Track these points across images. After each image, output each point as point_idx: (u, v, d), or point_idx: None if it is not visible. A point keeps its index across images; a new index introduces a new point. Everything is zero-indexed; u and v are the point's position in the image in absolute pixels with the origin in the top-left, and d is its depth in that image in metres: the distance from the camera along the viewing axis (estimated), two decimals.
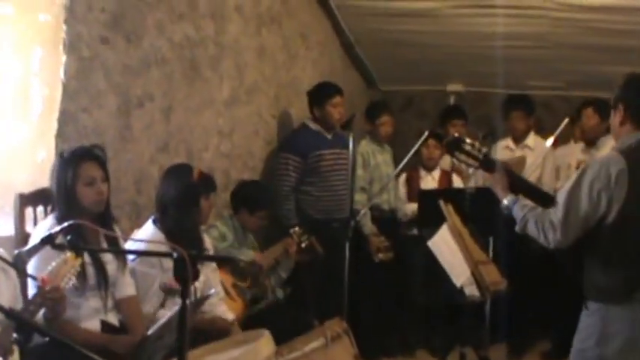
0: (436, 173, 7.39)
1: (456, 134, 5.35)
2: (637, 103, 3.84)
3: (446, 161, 7.61)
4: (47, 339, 3.33)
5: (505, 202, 3.97)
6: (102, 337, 3.99)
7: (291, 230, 5.95)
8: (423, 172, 7.39)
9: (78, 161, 3.97)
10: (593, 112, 6.83)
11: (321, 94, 6.67)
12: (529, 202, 3.98)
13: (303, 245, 5.94)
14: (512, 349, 6.94)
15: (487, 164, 3.97)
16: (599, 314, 3.79)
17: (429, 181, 7.32)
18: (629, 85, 3.90)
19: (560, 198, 3.77)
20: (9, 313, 2.83)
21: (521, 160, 7.14)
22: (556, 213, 3.75)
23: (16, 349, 3.22)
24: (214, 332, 4.55)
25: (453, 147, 4.06)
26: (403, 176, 7.36)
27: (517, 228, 3.91)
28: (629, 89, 3.89)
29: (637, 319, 3.72)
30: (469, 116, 8.02)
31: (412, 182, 7.37)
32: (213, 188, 4.95)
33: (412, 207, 7.24)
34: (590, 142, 6.91)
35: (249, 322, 5.16)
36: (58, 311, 3.37)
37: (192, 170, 4.77)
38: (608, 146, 6.64)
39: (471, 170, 4.03)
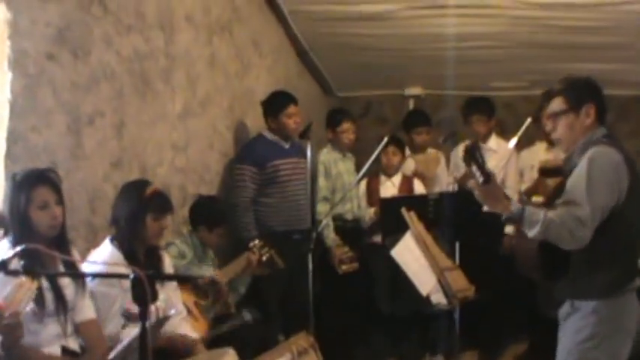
0: (396, 179, 7.35)
1: (467, 142, 5.33)
2: (603, 103, 4.08)
3: (408, 166, 7.56)
4: None
5: (513, 209, 3.87)
6: None
7: (251, 244, 5.85)
8: (383, 178, 7.35)
9: (31, 185, 3.87)
10: None
11: (274, 105, 6.61)
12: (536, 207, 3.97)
13: (264, 258, 5.84)
14: (484, 355, 6.89)
15: (488, 176, 3.94)
16: (598, 314, 3.87)
17: (389, 187, 7.28)
18: (595, 87, 4.11)
19: (577, 194, 3.79)
20: None
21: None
22: (581, 209, 3.75)
23: None
24: (176, 351, 4.45)
25: (471, 156, 4.00)
26: (363, 182, 7.31)
27: (533, 233, 3.82)
28: (596, 91, 4.10)
29: (632, 310, 3.93)
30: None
31: (372, 188, 7.31)
32: (166, 209, 4.76)
33: (370, 211, 7.20)
34: (553, 141, 6.86)
35: (213, 339, 5.06)
36: (16, 338, 3.25)
37: (146, 186, 4.66)
38: None
39: (473, 181, 3.92)
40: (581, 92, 4.05)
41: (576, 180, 3.84)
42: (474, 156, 3.92)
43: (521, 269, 6.33)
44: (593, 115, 4.02)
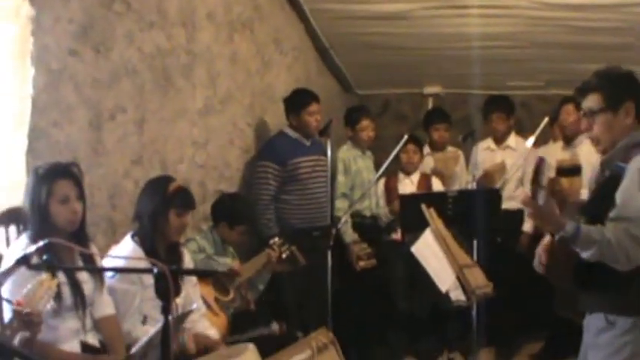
0: (415, 177, 7.34)
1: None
2: None
3: (427, 164, 7.56)
4: None
5: (568, 228, 3.55)
6: (84, 358, 3.91)
7: (271, 241, 5.85)
8: (401, 176, 7.33)
9: (53, 178, 3.89)
10: (574, 109, 6.77)
11: (297, 102, 6.62)
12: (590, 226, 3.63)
13: (284, 256, 5.84)
14: (500, 353, 6.88)
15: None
16: (637, 331, 3.60)
17: (408, 185, 7.27)
18: (635, 83, 3.80)
19: (631, 210, 3.50)
20: None
21: (502, 167, 7.11)
22: (635, 227, 3.47)
23: None
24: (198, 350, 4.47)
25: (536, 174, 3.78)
26: (382, 181, 7.30)
27: (588, 255, 3.54)
28: (636, 87, 3.79)
29: None
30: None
31: (390, 186, 7.31)
32: (189, 206, 4.77)
33: (384, 210, 7.21)
34: (569, 140, 6.85)
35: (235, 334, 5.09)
36: (34, 334, 3.27)
37: (169, 182, 4.67)
38: (587, 144, 6.61)
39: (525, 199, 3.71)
40: (620, 89, 3.75)
41: (629, 194, 3.55)
42: (538, 174, 3.72)
43: (552, 278, 6.25)
44: (633, 114, 3.74)
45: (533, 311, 6.99)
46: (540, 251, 3.94)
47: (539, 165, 3.55)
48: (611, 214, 3.56)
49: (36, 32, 4.14)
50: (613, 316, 3.63)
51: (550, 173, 6.69)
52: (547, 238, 3.89)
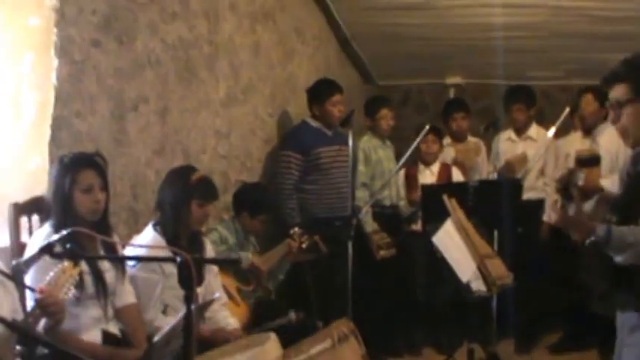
0: (435, 167, 7.31)
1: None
2: None
3: (448, 154, 7.55)
4: (49, 351, 3.28)
5: (599, 232, 3.38)
6: (105, 351, 3.93)
7: (291, 231, 5.86)
8: (421, 167, 7.31)
9: (77, 167, 3.91)
10: (593, 99, 6.76)
11: (320, 93, 6.62)
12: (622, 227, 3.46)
13: (304, 246, 5.86)
14: (520, 344, 6.88)
15: (570, 196, 3.58)
16: None
17: (428, 176, 7.25)
18: None
19: None
20: (13, 326, 2.76)
21: (523, 158, 7.08)
22: None
23: None
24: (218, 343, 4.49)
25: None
26: (402, 171, 7.28)
27: (622, 258, 3.39)
28: None
29: None
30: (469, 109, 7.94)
31: (410, 178, 7.29)
32: (211, 196, 4.78)
33: (402, 202, 7.21)
34: (589, 130, 6.83)
35: (253, 326, 5.09)
36: (58, 322, 3.29)
37: (192, 172, 4.68)
38: (606, 134, 6.59)
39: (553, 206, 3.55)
40: None
41: None
42: (566, 183, 3.61)
43: (587, 276, 6.24)
44: None
45: (553, 302, 7.00)
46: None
47: (567, 177, 3.48)
48: None
49: (59, 23, 4.17)
50: None
51: (568, 163, 6.69)
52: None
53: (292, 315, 5.21)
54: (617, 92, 3.57)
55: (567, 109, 6.55)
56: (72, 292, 3.32)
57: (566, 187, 3.57)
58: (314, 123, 6.60)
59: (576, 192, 3.49)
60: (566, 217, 3.47)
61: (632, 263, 3.36)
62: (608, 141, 6.57)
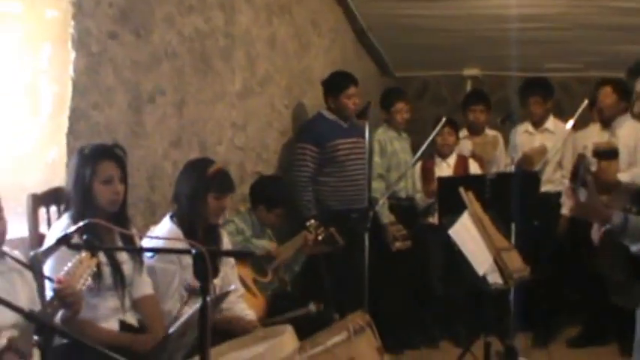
0: (451, 160, 7.30)
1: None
2: None
3: (465, 147, 7.53)
4: (67, 341, 3.29)
5: (615, 220, 3.36)
6: (122, 337, 3.95)
7: (307, 223, 5.87)
8: (437, 159, 7.30)
9: (97, 158, 3.92)
10: (612, 91, 6.72)
11: (335, 85, 6.61)
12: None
13: (320, 238, 5.86)
14: (537, 338, 6.86)
15: (585, 183, 3.53)
16: None
17: (444, 169, 7.24)
18: None
19: None
20: (30, 316, 2.77)
21: (542, 150, 7.06)
22: None
23: (36, 352, 3.19)
24: (235, 332, 4.50)
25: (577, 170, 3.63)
26: (418, 165, 7.26)
27: (638, 247, 3.36)
28: None
29: None
30: None
31: (426, 171, 7.28)
32: (228, 189, 4.76)
33: (418, 195, 7.21)
34: (607, 122, 6.80)
35: (271, 316, 5.11)
36: (75, 312, 3.31)
37: (209, 165, 4.68)
38: (625, 127, 6.57)
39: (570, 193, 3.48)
40: None
41: None
42: (581, 173, 3.56)
43: (603, 267, 6.19)
44: None
45: (571, 296, 6.98)
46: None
47: (578, 163, 3.43)
48: None
49: (77, 16, 4.18)
50: None
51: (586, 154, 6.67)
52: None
53: (312, 306, 5.22)
54: None
55: (585, 102, 6.51)
56: (89, 282, 3.34)
57: (576, 171, 3.53)
58: (329, 115, 6.60)
59: (589, 177, 3.45)
60: (580, 204, 3.44)
61: None
62: (627, 134, 6.55)
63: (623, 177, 6.09)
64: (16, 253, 3.44)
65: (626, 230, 3.34)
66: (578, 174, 3.44)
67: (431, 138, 6.25)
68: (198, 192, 4.55)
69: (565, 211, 6.89)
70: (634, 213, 3.45)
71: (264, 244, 5.54)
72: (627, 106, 6.60)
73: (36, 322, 2.89)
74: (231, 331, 4.48)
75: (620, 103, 6.68)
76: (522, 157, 7.05)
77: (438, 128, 6.35)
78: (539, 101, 7.22)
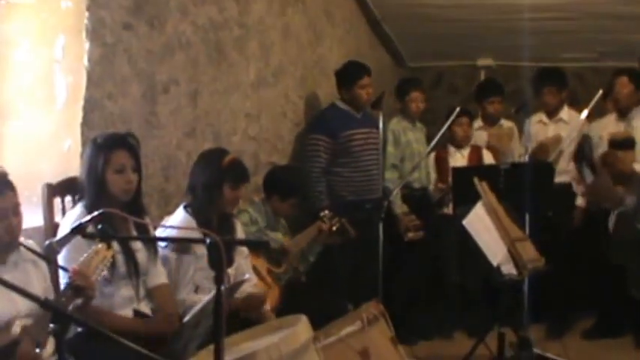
0: (465, 150, 7.28)
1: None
2: None
3: (480, 137, 7.51)
4: (82, 329, 3.31)
5: (628, 202, 3.39)
6: (138, 322, 3.97)
7: (321, 214, 5.87)
8: (452, 150, 7.29)
9: (110, 148, 3.93)
10: (628, 81, 6.69)
11: (348, 76, 6.60)
12: None
13: (334, 228, 5.86)
14: (552, 329, 6.84)
15: (594, 167, 3.49)
16: None
17: (459, 159, 7.22)
18: None
19: None
20: (47, 304, 2.79)
21: (557, 139, 7.03)
22: None
23: (51, 340, 3.21)
24: (248, 312, 4.55)
25: (582, 152, 3.59)
26: (432, 156, 7.25)
27: None
28: None
29: None
30: None
31: (440, 161, 7.27)
32: (244, 179, 4.78)
33: (431, 186, 7.21)
34: (623, 113, 6.77)
35: (283, 308, 5.11)
36: (88, 301, 3.32)
37: (224, 155, 4.69)
38: None
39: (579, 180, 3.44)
40: None
41: None
42: (584, 152, 3.55)
43: (618, 257, 6.18)
44: None
45: (585, 288, 6.95)
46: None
47: (582, 143, 3.40)
48: None
49: (91, 7, 4.20)
50: None
51: (600, 148, 6.64)
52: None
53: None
54: None
55: (600, 92, 6.49)
56: (105, 273, 3.35)
57: (580, 151, 3.52)
58: (343, 106, 6.59)
59: (596, 157, 3.45)
60: (591, 186, 3.44)
61: None
62: None
63: None
64: (31, 243, 3.46)
65: (638, 213, 3.26)
66: (584, 154, 3.43)
67: (444, 128, 6.24)
68: (215, 182, 4.56)
69: (580, 202, 6.87)
70: None
71: (278, 237, 5.55)
72: None
73: (52, 309, 2.90)
74: (245, 311, 4.52)
75: (637, 93, 6.66)
76: (537, 146, 7.00)
77: (451, 118, 6.34)
78: (553, 91, 7.18)
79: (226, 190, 4.61)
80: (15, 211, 3.35)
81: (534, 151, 6.90)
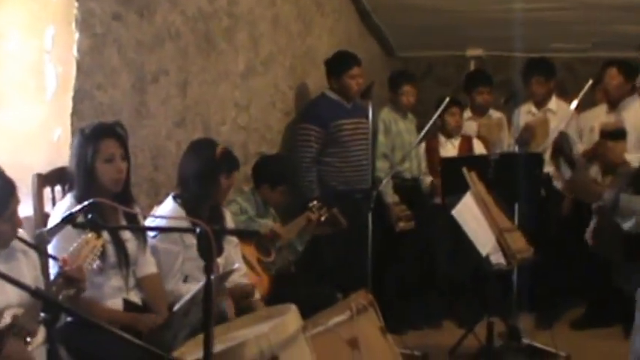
0: (456, 140, 7.30)
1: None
2: None
3: (469, 128, 7.53)
4: (71, 320, 3.32)
5: (606, 197, 3.41)
6: (126, 316, 3.98)
7: (310, 204, 5.88)
8: (442, 140, 7.31)
9: (99, 137, 3.94)
10: (617, 72, 6.73)
11: (338, 65, 6.62)
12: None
13: (323, 219, 5.88)
14: (541, 319, 6.88)
15: (574, 163, 3.47)
16: None
17: (449, 149, 7.25)
18: None
19: None
20: (37, 294, 2.80)
21: (543, 121, 7.04)
22: None
23: (42, 329, 3.22)
24: (236, 303, 4.56)
25: (559, 147, 3.54)
26: (422, 145, 7.26)
27: (629, 225, 3.39)
28: None
29: None
30: None
31: (431, 151, 7.29)
32: (236, 167, 4.84)
33: (427, 180, 7.21)
34: (614, 104, 6.80)
35: (273, 298, 5.13)
36: (79, 292, 3.33)
37: (216, 146, 4.71)
38: (632, 109, 6.57)
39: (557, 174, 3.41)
40: None
41: None
42: (562, 148, 3.53)
43: (600, 249, 6.19)
44: None
45: (575, 277, 6.98)
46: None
47: (559, 139, 3.39)
48: None
49: None
50: None
51: (592, 136, 6.67)
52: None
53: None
54: None
55: (590, 82, 6.51)
56: (96, 263, 3.37)
57: (558, 147, 3.51)
58: (333, 95, 6.61)
59: (576, 155, 3.45)
60: (569, 181, 3.44)
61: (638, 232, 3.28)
62: (634, 116, 6.56)
63: (631, 158, 6.09)
64: (21, 232, 3.46)
65: (617, 208, 3.39)
66: (562, 150, 3.43)
67: (435, 117, 6.24)
68: (210, 174, 4.59)
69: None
70: (629, 194, 3.44)
71: (268, 223, 5.56)
72: (633, 87, 6.60)
73: (43, 299, 2.91)
74: (234, 300, 4.54)
75: (627, 84, 6.69)
76: (524, 127, 6.99)
77: (441, 108, 6.35)
78: (541, 81, 7.20)
79: (222, 180, 4.65)
80: (17, 208, 3.37)
81: (522, 132, 6.90)
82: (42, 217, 4.02)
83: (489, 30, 9.14)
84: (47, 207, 4.08)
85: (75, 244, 3.28)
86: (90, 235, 3.32)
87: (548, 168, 6.74)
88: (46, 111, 4.26)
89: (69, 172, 4.04)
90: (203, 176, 4.56)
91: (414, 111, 7.47)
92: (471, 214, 5.18)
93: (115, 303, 4.01)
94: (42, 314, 2.99)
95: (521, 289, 6.23)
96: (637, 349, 3.53)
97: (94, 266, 3.40)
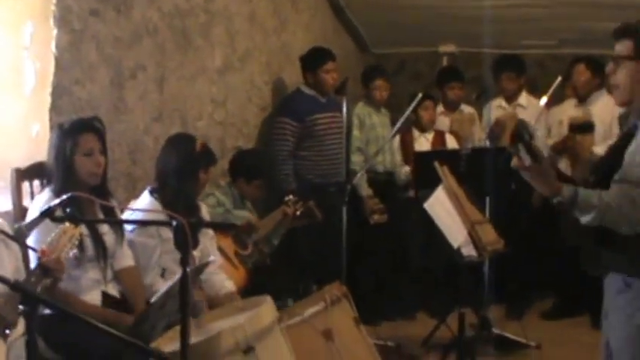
0: (430, 135, 7.38)
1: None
2: None
3: (442, 123, 7.61)
4: (51, 311, 3.36)
5: (565, 192, 3.27)
6: (104, 313, 4.02)
7: (286, 198, 5.93)
8: (416, 134, 7.38)
9: (77, 132, 3.99)
10: (585, 68, 6.82)
11: (313, 60, 6.68)
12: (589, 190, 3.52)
13: (298, 212, 5.93)
14: (511, 310, 6.97)
15: (536, 156, 3.51)
16: None
17: (423, 143, 7.32)
18: None
19: (635, 172, 3.24)
20: (15, 286, 2.85)
21: (513, 115, 7.11)
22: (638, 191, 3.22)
23: (21, 321, 3.26)
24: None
25: (518, 134, 3.59)
26: (397, 139, 7.34)
27: (587, 220, 3.28)
28: None
29: None
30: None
31: (406, 144, 7.36)
32: (214, 162, 4.94)
33: (406, 169, 7.27)
34: (582, 98, 6.90)
35: (249, 290, 5.18)
36: (56, 281, 3.37)
37: (194, 141, 4.77)
38: (600, 103, 6.66)
39: (518, 161, 3.44)
40: None
41: (636, 154, 3.29)
42: (521, 135, 3.55)
43: (568, 238, 6.24)
44: None
45: (544, 269, 7.07)
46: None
47: (518, 126, 3.43)
48: (616, 176, 3.34)
49: None
50: (631, 278, 3.37)
51: (561, 130, 6.76)
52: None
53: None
54: (621, 46, 3.45)
55: (559, 79, 6.58)
56: (73, 251, 3.40)
57: (516, 134, 3.50)
58: (308, 90, 6.67)
59: (533, 147, 3.46)
60: (529, 169, 3.43)
61: (599, 225, 3.30)
62: (602, 109, 6.65)
63: (599, 150, 6.18)
64: (2, 222, 3.49)
65: (575, 203, 3.32)
66: (521, 138, 3.41)
67: (407, 113, 6.30)
68: (190, 169, 4.67)
69: None
70: (592, 182, 3.48)
71: (244, 215, 5.62)
72: (601, 82, 6.70)
73: (21, 291, 2.96)
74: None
75: (594, 79, 6.78)
76: (495, 122, 7.05)
77: (414, 103, 6.40)
78: (511, 77, 7.29)
79: (201, 175, 4.74)
80: None
81: (492, 127, 6.97)
82: (21, 211, 4.07)
83: (461, 27, 9.18)
84: (26, 201, 4.13)
85: (52, 235, 3.32)
86: (67, 224, 3.35)
87: None
88: (25, 106, 4.30)
89: (47, 167, 4.08)
90: (183, 171, 4.62)
91: (388, 105, 7.53)
92: (442, 208, 5.22)
93: (94, 296, 4.06)
94: (20, 306, 3.02)
95: (492, 280, 6.31)
96: (605, 332, 3.57)
97: (72, 255, 3.42)
